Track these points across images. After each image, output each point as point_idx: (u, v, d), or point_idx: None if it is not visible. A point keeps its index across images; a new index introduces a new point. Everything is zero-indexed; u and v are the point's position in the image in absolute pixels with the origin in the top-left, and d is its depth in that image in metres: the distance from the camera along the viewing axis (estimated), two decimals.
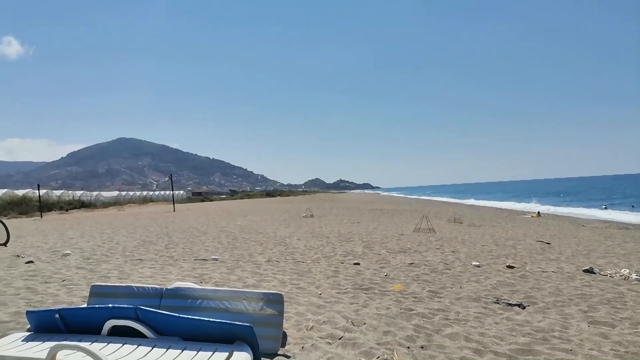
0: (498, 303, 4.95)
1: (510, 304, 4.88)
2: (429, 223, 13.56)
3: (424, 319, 4.34)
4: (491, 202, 46.10)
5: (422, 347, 3.59)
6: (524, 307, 4.78)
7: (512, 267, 7.24)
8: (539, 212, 24.24)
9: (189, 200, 61.57)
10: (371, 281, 6.15)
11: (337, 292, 5.49)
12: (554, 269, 7.19)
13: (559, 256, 8.61)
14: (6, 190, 35.75)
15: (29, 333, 2.89)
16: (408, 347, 3.59)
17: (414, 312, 4.58)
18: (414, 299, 5.13)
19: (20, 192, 34.81)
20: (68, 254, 8.74)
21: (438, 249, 9.41)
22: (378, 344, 3.66)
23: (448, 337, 3.84)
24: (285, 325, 3.87)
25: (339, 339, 3.77)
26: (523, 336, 3.87)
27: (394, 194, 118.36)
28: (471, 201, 52.29)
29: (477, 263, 7.54)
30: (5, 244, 10.55)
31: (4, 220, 12.56)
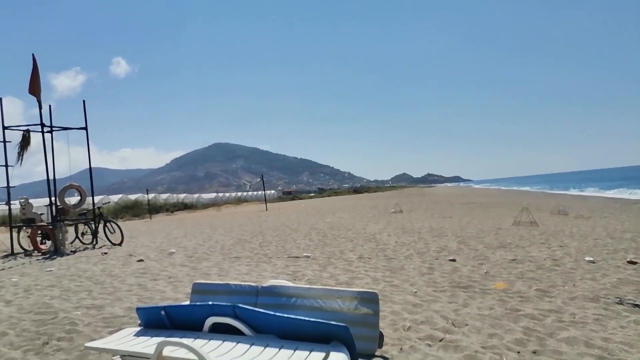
0: (622, 304, 4.36)
1: (637, 305, 4.28)
2: (530, 215, 12.56)
3: (534, 321, 3.94)
4: (597, 192, 41.68)
5: (534, 352, 3.25)
6: None
7: (634, 263, 6.39)
8: None
9: (279, 199, 63.78)
10: (470, 279, 5.79)
11: (433, 290, 5.23)
12: None
13: None
14: (121, 195, 39.83)
15: (139, 328, 3.08)
16: (518, 352, 3.27)
17: (522, 312, 4.19)
18: (520, 299, 4.71)
19: (132, 197, 38.49)
20: (173, 253, 9.40)
21: (543, 243, 8.65)
22: (483, 347, 3.38)
23: (564, 341, 3.44)
24: (380, 324, 3.73)
25: (440, 340, 3.55)
26: None
27: (487, 186, 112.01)
28: (573, 191, 47.74)
29: (591, 258, 6.78)
30: (120, 244, 11.66)
31: (120, 223, 13.89)
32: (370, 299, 3.44)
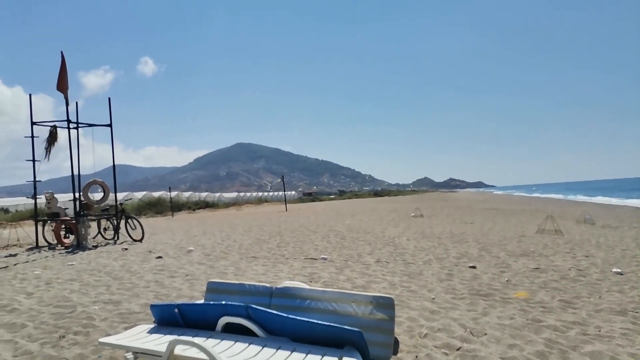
0: None
1: None
2: (554, 224, 12.22)
3: (557, 333, 3.79)
4: (626, 201, 40.32)
5: None
6: None
7: None
8: None
9: (300, 200, 63.93)
10: (490, 286, 5.63)
11: (452, 297, 5.10)
12: None
13: None
14: (145, 192, 40.62)
15: (153, 325, 3.08)
16: None
17: (544, 323, 4.04)
18: (542, 309, 4.55)
19: (156, 194, 39.15)
20: (191, 251, 9.47)
21: (568, 252, 8.38)
22: (502, 358, 3.26)
23: (589, 355, 3.29)
24: (396, 330, 3.64)
25: (457, 349, 3.45)
26: None
27: (510, 192, 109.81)
28: (601, 199, 46.31)
29: (619, 270, 6.52)
30: (140, 240, 11.83)
31: (142, 219, 14.10)
32: (386, 304, 3.35)
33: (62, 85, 11.05)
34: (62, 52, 11.15)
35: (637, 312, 4.39)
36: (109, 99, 12.70)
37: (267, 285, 3.73)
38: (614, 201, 40.98)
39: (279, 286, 3.71)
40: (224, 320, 2.89)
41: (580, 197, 53.37)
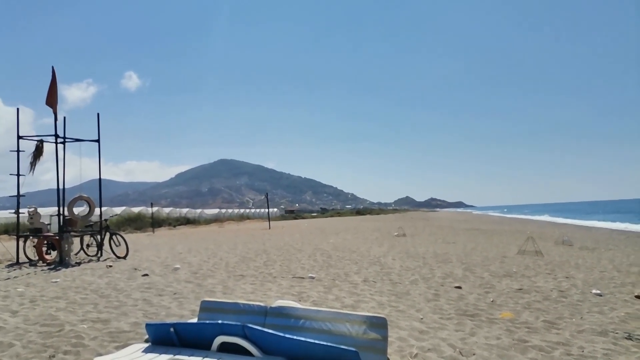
0: (631, 339, 4.33)
1: None
2: (535, 245, 12.51)
3: (542, 353, 3.93)
4: (601, 223, 41.33)
5: None
6: None
7: None
8: None
9: (282, 217, 63.67)
10: (476, 307, 5.77)
11: (439, 317, 5.21)
12: None
13: None
14: (125, 207, 39.96)
15: (147, 344, 3.09)
16: None
17: (529, 344, 4.17)
18: (527, 329, 4.69)
19: (136, 210, 38.55)
20: (178, 268, 9.41)
21: (549, 273, 8.60)
22: None
23: None
24: (387, 350, 3.73)
25: None
26: None
27: (490, 212, 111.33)
28: (577, 221, 47.34)
29: (598, 291, 6.74)
30: (125, 257, 11.68)
31: (123, 235, 13.91)
32: (378, 324, 3.43)
33: (52, 99, 10.99)
34: (52, 67, 11.12)
35: (617, 333, 4.56)
36: (98, 114, 12.61)
37: (262, 304, 3.77)
38: (590, 223, 41.93)
39: (273, 305, 3.76)
40: (219, 339, 2.92)
41: (559, 219, 54.49)
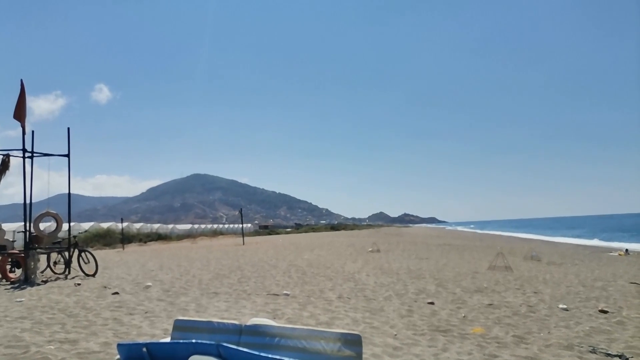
0: (595, 352, 4.51)
1: (609, 355, 4.43)
2: (505, 260, 12.82)
3: None
4: (567, 239, 42.77)
5: None
6: None
7: (605, 312, 6.61)
8: (627, 250, 22.09)
9: (256, 233, 63.06)
10: (448, 322, 5.87)
11: (413, 334, 5.29)
12: None
13: None
14: (93, 223, 38.88)
15: None
16: None
17: (500, 359, 4.28)
18: (497, 344, 4.81)
19: (105, 225, 37.55)
20: (149, 286, 9.21)
21: (518, 289, 8.84)
22: None
23: None
24: None
25: None
26: None
27: (461, 228, 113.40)
28: (545, 237, 48.79)
29: (565, 306, 6.97)
30: (94, 275, 11.35)
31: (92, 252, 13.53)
32: (353, 341, 3.46)
33: (21, 113, 10.72)
34: (22, 81, 10.87)
35: (582, 347, 4.73)
36: (68, 129, 12.35)
37: (236, 322, 3.76)
38: (557, 239, 43.25)
39: (247, 323, 3.75)
40: (194, 359, 2.90)
41: (527, 234, 55.98)
